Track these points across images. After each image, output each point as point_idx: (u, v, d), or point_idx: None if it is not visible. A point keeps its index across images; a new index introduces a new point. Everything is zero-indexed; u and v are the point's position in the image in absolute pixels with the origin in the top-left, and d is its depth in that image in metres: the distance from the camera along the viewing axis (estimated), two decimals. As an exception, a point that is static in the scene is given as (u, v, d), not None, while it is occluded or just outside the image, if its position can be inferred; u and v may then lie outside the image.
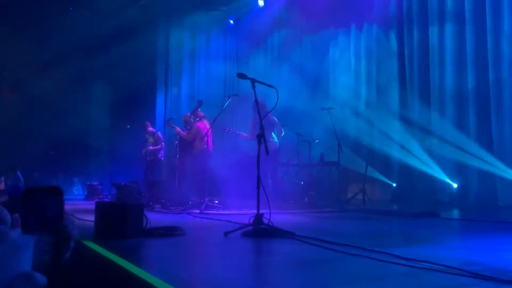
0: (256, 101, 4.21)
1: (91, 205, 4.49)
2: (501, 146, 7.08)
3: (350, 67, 10.13)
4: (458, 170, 7.67)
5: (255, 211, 3.89)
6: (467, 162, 7.40)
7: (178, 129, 8.53)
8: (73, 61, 12.10)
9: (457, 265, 2.27)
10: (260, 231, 3.69)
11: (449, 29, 7.98)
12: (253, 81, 4.26)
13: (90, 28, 11.96)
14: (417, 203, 7.76)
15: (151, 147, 9.69)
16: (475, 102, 7.51)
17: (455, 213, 6.36)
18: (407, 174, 8.49)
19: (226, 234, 3.65)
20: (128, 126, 10.51)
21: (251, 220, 3.87)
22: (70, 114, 12.01)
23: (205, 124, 8.28)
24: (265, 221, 3.84)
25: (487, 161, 7.09)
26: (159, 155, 9.81)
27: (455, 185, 7.71)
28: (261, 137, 4.05)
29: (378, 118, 9.27)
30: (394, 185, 8.89)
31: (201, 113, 8.37)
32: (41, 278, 0.91)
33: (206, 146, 7.78)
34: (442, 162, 7.86)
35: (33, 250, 0.94)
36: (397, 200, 8.62)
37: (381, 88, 9.39)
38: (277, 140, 8.00)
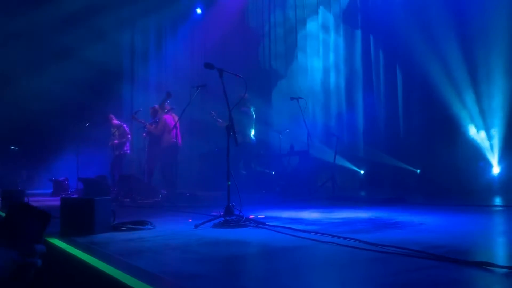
0: (224, 92, 4.17)
1: (57, 201, 4.35)
2: None
3: (319, 54, 10.16)
4: (421, 156, 7.87)
5: (226, 203, 3.89)
6: (431, 147, 7.60)
7: (145, 123, 8.39)
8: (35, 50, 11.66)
9: (422, 248, 2.34)
10: (231, 222, 3.69)
11: None
12: (221, 71, 4.21)
13: (54, 21, 11.55)
14: (384, 189, 7.96)
15: (117, 141, 9.47)
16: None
17: (420, 198, 6.56)
18: (374, 161, 8.67)
19: (196, 226, 3.63)
20: (87, 124, 10.23)
21: (222, 212, 3.87)
22: (33, 107, 11.57)
23: (173, 117, 8.15)
24: (236, 212, 3.84)
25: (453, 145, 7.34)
26: (125, 149, 9.59)
27: (417, 171, 7.96)
28: (230, 129, 4.03)
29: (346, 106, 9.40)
30: (362, 172, 9.07)
31: (168, 106, 8.24)
32: None
33: (174, 139, 7.68)
34: (407, 149, 8.06)
35: None
36: (365, 186, 8.81)
37: (350, 76, 9.47)
38: (254, 138, 8.10)
